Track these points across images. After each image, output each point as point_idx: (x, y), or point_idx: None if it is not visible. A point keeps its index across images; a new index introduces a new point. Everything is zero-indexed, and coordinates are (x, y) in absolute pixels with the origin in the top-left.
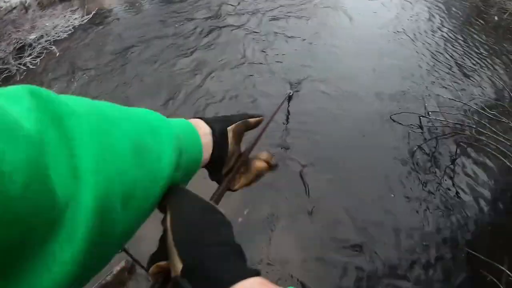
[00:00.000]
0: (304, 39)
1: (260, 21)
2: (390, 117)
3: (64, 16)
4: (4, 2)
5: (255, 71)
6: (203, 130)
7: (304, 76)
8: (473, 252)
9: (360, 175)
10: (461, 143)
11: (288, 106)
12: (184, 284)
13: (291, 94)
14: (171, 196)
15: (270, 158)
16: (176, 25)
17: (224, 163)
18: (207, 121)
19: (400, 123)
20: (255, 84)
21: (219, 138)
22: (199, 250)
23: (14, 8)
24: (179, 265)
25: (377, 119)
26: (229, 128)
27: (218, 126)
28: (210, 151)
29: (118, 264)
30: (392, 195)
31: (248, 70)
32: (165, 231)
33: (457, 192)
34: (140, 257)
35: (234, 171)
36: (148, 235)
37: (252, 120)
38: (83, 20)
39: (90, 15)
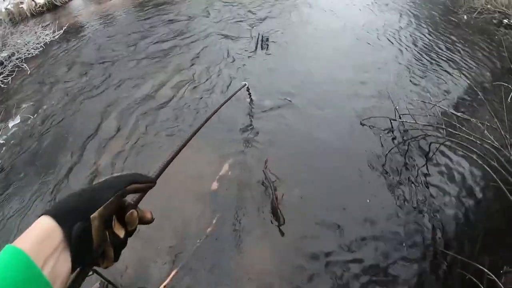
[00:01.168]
0: (274, 48)
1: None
2: (361, 122)
3: (35, 33)
4: None
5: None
6: (50, 246)
7: (273, 87)
8: (449, 253)
9: (333, 182)
10: (432, 144)
11: (250, 96)
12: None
13: (246, 85)
14: None
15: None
16: (147, 38)
17: (89, 259)
18: (59, 219)
19: (371, 127)
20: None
21: (76, 242)
22: None
23: None
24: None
25: (349, 125)
26: (94, 216)
27: (73, 225)
28: (67, 267)
29: (92, 286)
30: (368, 200)
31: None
32: None
33: (431, 193)
34: (112, 278)
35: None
36: (124, 257)
37: (132, 188)
38: (55, 36)
39: (61, 31)
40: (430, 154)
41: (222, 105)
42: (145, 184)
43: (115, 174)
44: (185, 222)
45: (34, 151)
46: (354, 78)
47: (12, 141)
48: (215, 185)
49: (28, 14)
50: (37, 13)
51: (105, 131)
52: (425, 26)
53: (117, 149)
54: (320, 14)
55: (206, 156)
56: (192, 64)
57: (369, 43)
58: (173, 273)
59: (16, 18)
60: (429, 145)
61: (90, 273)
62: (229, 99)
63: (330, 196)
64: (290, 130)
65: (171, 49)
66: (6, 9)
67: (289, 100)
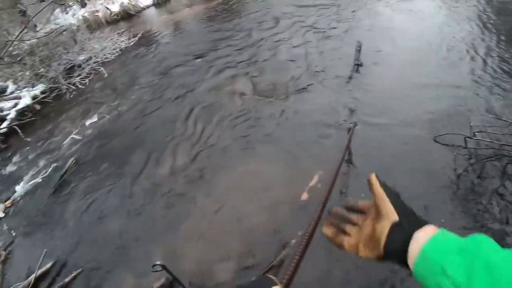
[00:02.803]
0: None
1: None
2: (435, 139)
3: (112, 39)
4: (55, 24)
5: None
6: None
7: (348, 103)
8: None
9: (406, 200)
10: (509, 165)
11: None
12: (404, 223)
13: (356, 125)
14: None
15: None
16: (218, 48)
17: None
18: None
19: (445, 145)
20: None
21: None
22: (407, 212)
23: (64, 30)
24: (394, 215)
25: (421, 141)
26: None
27: None
28: None
29: (158, 281)
30: (442, 220)
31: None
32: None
33: (505, 217)
34: (181, 275)
35: None
36: (189, 254)
37: None
38: (130, 43)
39: (136, 38)
40: (506, 175)
41: (344, 157)
42: None
43: None
44: (272, 231)
45: (108, 148)
46: (427, 89)
47: (88, 138)
48: (305, 196)
49: (104, 22)
50: (112, 21)
51: (178, 133)
52: (500, 38)
53: (189, 152)
54: (399, 18)
55: (297, 167)
56: (262, 73)
57: (440, 59)
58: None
59: (93, 25)
60: (505, 166)
61: (159, 269)
62: (348, 144)
63: None
64: (363, 143)
65: (244, 58)
66: (83, 16)
67: (365, 114)
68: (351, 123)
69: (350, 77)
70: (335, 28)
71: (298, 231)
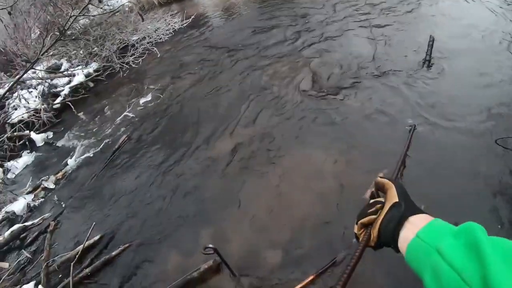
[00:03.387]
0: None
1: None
2: (496, 141)
3: (165, 20)
4: (108, 5)
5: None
6: None
7: (413, 101)
8: None
9: (460, 203)
10: None
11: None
12: (401, 203)
13: (415, 127)
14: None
15: None
16: (273, 33)
17: None
18: None
19: (504, 148)
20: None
21: None
22: (407, 199)
23: (117, 11)
24: (396, 198)
25: (481, 143)
26: None
27: None
28: None
29: (206, 262)
30: (499, 226)
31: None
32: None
33: None
34: (228, 259)
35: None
36: (237, 238)
37: None
38: (183, 24)
39: (190, 20)
40: None
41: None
42: None
43: None
44: (325, 223)
45: (161, 127)
46: (492, 89)
47: (141, 116)
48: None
49: (156, 3)
50: (165, 3)
51: (232, 117)
52: None
53: (243, 135)
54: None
55: (360, 165)
56: (320, 64)
57: (504, 55)
58: (311, 277)
59: (145, 7)
60: None
61: (211, 251)
62: (407, 148)
63: (458, 217)
64: (422, 143)
65: (299, 45)
66: None
67: (423, 116)
68: (410, 126)
69: (418, 73)
70: (399, 16)
71: (352, 228)
